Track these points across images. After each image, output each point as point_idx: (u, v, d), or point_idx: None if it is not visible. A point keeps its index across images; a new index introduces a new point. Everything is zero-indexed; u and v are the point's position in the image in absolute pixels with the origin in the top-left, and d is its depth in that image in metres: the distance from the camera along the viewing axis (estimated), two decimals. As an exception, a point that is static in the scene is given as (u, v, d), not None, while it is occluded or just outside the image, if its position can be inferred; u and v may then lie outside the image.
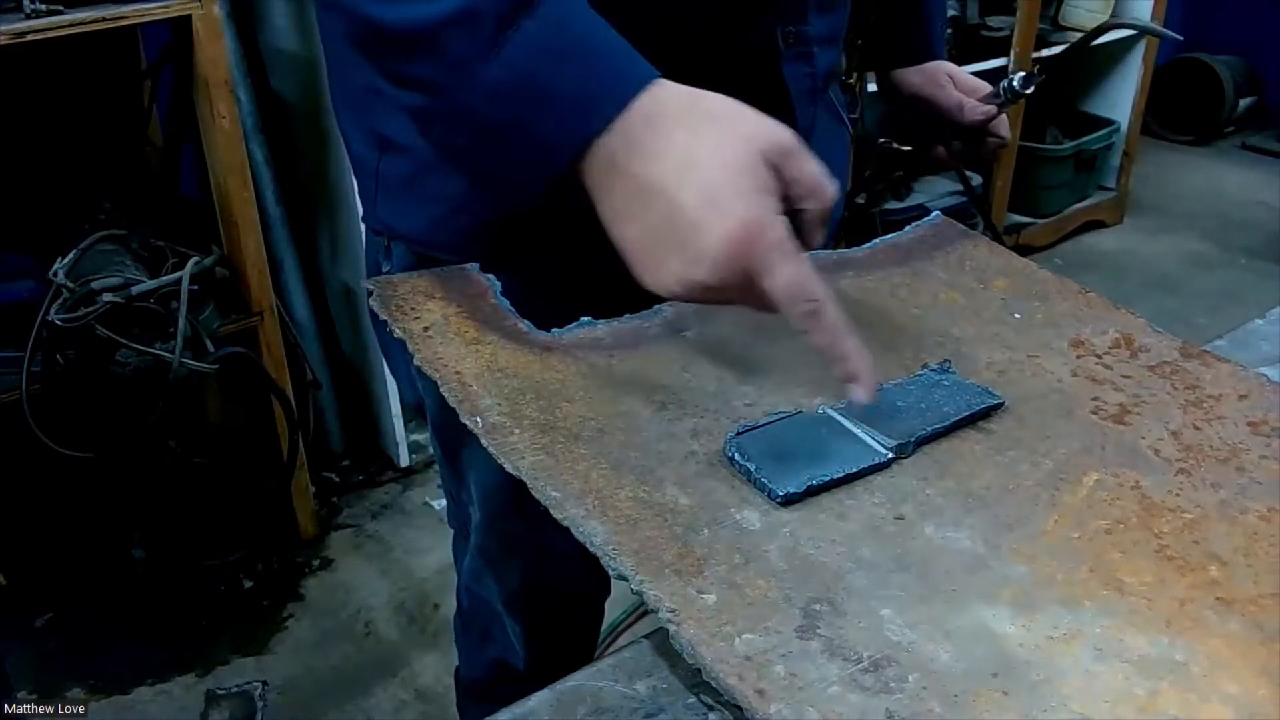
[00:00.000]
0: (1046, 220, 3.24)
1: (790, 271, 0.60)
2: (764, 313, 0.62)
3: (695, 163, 0.59)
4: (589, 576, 1.11)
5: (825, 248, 0.88)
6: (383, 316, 0.74)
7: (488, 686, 1.25)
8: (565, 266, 0.82)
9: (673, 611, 0.54)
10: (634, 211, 0.62)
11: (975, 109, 1.07)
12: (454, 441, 1.02)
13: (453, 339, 0.72)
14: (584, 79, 0.60)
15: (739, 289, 0.61)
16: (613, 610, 1.65)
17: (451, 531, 1.21)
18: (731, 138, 0.60)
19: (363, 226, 0.98)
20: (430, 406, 1.01)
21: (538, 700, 0.56)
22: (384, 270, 0.96)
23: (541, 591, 1.12)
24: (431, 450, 1.15)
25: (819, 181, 0.62)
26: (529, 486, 0.62)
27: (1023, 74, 0.99)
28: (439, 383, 0.69)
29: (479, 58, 0.60)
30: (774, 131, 0.61)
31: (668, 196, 0.60)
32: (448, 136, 0.68)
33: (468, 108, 0.63)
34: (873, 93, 2.57)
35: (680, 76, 0.63)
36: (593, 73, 0.61)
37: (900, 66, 1.14)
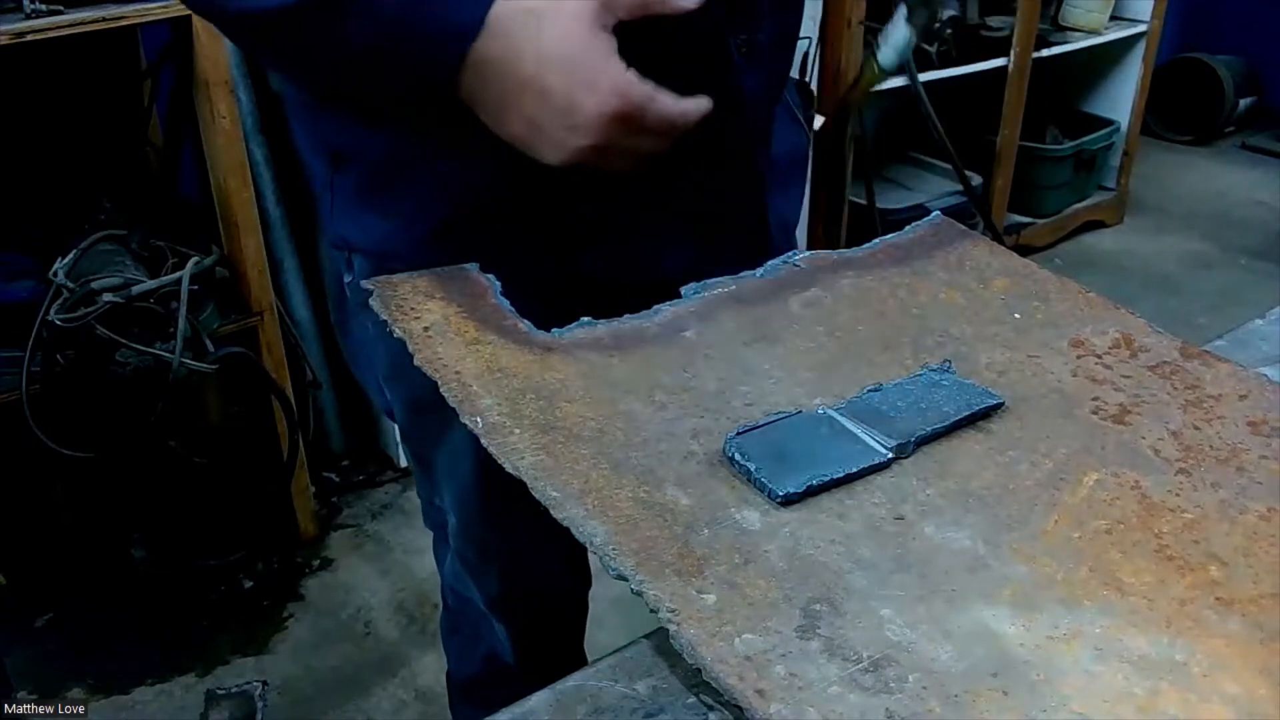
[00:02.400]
0: (1046, 220, 3.24)
1: (656, 113, 0.69)
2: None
3: (547, 53, 0.68)
4: (566, 575, 1.11)
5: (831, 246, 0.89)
6: (383, 316, 0.74)
7: (482, 684, 1.25)
8: (521, 268, 0.82)
9: (673, 611, 0.54)
10: (511, 109, 0.71)
11: None
12: (426, 449, 1.02)
13: (453, 339, 0.72)
14: (431, 22, 0.69)
15: (621, 141, 0.70)
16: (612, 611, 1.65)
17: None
18: (564, 19, 0.68)
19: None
20: (399, 415, 1.01)
21: (538, 700, 0.56)
22: (346, 281, 0.97)
23: (522, 594, 1.12)
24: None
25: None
26: (529, 486, 0.62)
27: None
28: (439, 383, 0.69)
29: (336, 28, 0.70)
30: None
31: (535, 87, 0.69)
32: (334, 84, 0.78)
33: (340, 62, 0.73)
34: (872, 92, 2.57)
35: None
36: (435, 15, 0.69)
37: None
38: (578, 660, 1.23)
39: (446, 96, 0.72)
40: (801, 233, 2.66)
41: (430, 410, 0.90)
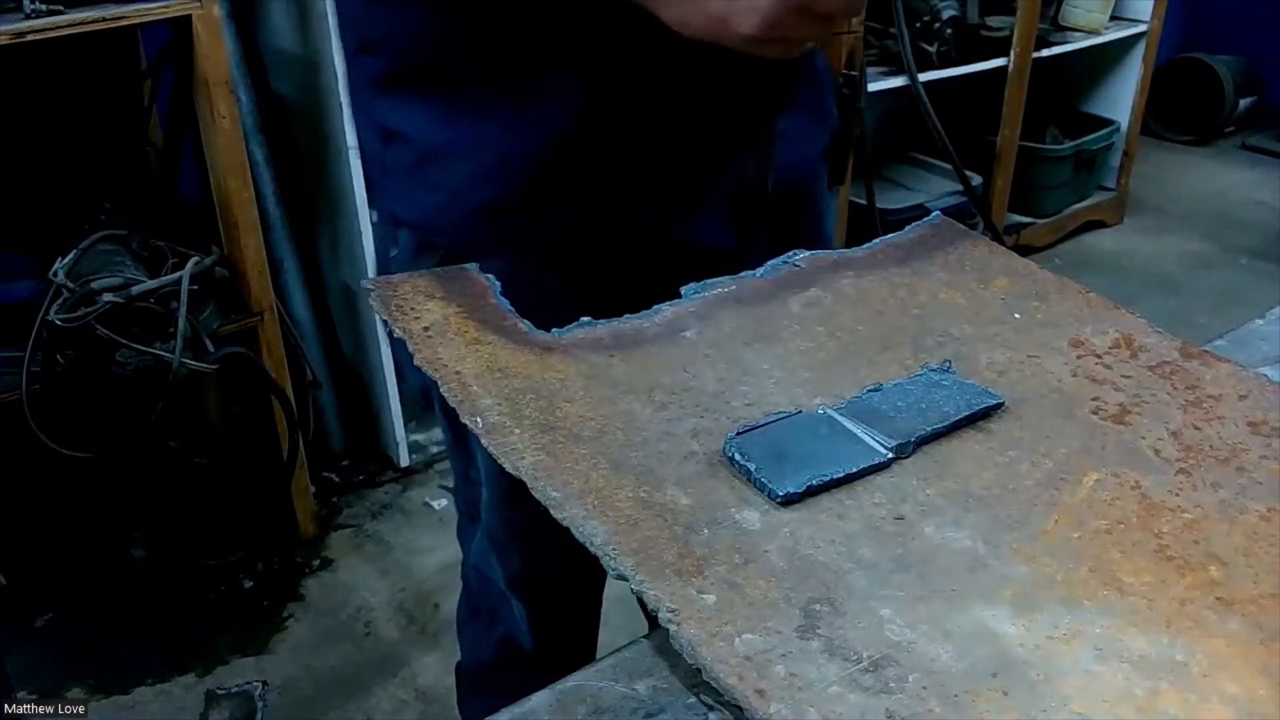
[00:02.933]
0: (1046, 220, 3.24)
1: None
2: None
3: None
4: (586, 559, 1.12)
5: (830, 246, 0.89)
6: (383, 316, 0.74)
7: (495, 669, 1.26)
8: (561, 254, 0.84)
9: (673, 611, 0.54)
10: None
11: None
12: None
13: (453, 339, 0.72)
14: None
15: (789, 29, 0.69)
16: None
17: (454, 523, 1.21)
18: None
19: (369, 220, 1.01)
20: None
21: (538, 700, 0.56)
22: (391, 255, 1.00)
23: (543, 574, 1.13)
24: (443, 437, 1.19)
25: None
26: (529, 486, 0.62)
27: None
28: (439, 383, 0.69)
29: None
30: None
31: None
32: None
33: None
34: (872, 92, 2.57)
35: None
36: None
37: None
38: (590, 651, 1.24)
39: None
40: (801, 233, 2.66)
41: None
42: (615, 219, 0.91)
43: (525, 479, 0.62)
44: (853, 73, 1.07)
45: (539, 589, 1.15)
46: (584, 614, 1.21)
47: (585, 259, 0.91)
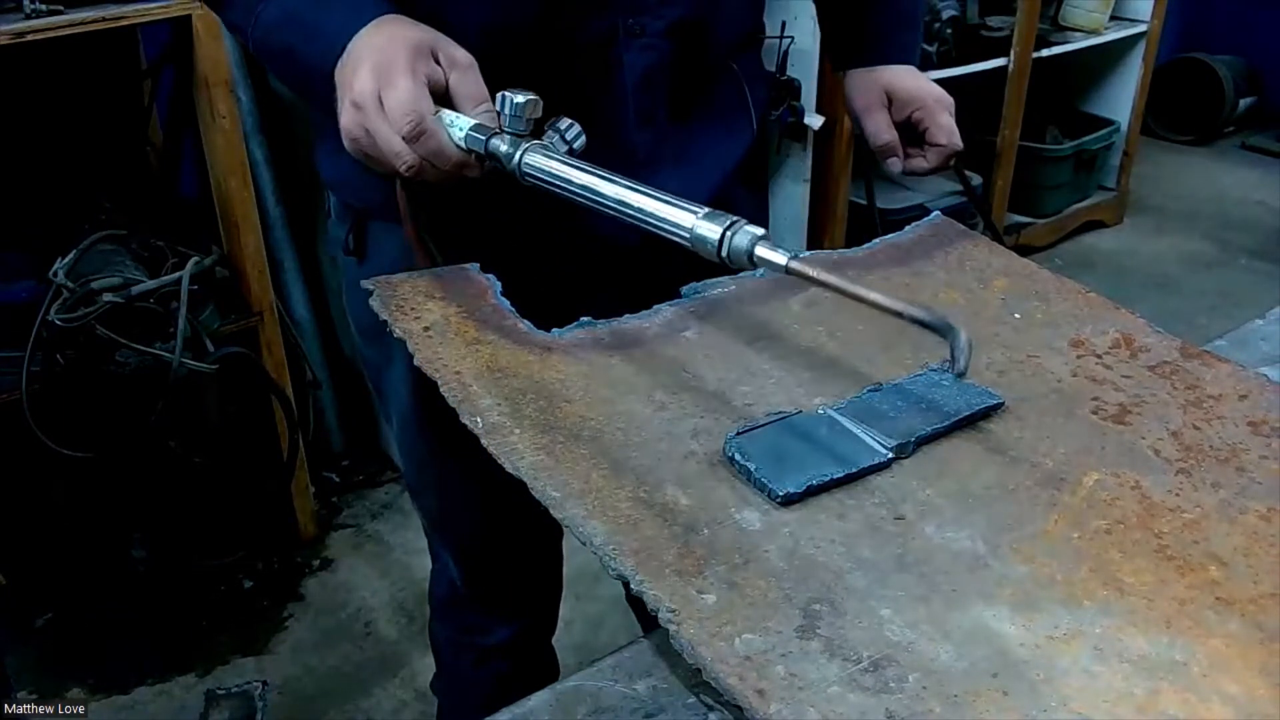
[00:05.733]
0: (1046, 220, 3.24)
1: (404, 86, 0.73)
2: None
3: (379, 44, 0.76)
4: (503, 511, 1.12)
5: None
6: (383, 316, 0.74)
7: (445, 603, 1.28)
8: (465, 224, 0.86)
9: (673, 611, 0.54)
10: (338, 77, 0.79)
11: (879, 137, 1.07)
12: (377, 367, 1.06)
13: (453, 339, 0.72)
14: (329, 20, 0.80)
15: (373, 110, 0.75)
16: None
17: None
18: (409, 29, 0.77)
19: None
20: (356, 331, 1.07)
21: (538, 700, 0.56)
22: (331, 217, 1.05)
23: (457, 520, 1.15)
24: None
25: (455, 56, 0.77)
26: (529, 486, 0.62)
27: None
28: (439, 383, 0.69)
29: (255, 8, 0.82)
30: (450, 44, 0.78)
31: (354, 65, 0.77)
32: (261, 59, 0.88)
33: (258, 39, 0.84)
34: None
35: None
36: (334, 16, 0.80)
37: (841, 69, 1.11)
38: (536, 594, 1.24)
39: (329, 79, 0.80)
40: (801, 233, 2.66)
41: (374, 338, 1.02)
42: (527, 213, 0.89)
43: (525, 479, 0.62)
44: (782, 76, 1.08)
45: (456, 532, 1.16)
46: (517, 558, 1.20)
47: (491, 231, 0.90)
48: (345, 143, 0.78)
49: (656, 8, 0.87)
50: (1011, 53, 2.81)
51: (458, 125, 0.75)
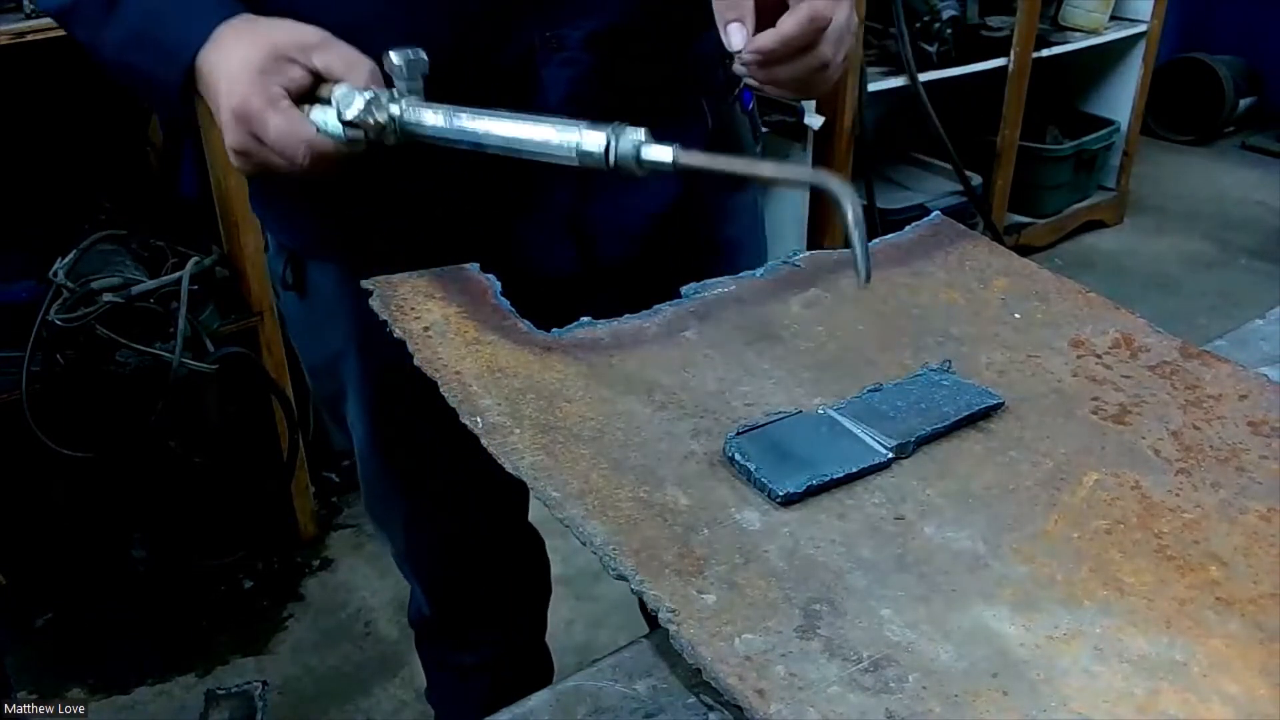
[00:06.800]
0: (1046, 220, 3.24)
1: (276, 124, 0.74)
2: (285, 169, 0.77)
3: (228, 71, 0.76)
4: (471, 539, 1.12)
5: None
6: (383, 316, 0.74)
7: (421, 629, 1.28)
8: (396, 261, 0.82)
9: (673, 611, 0.54)
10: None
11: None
12: (331, 402, 1.07)
13: (453, 339, 0.72)
14: (169, 35, 0.79)
15: (256, 149, 0.76)
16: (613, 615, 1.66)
17: None
18: (249, 45, 0.76)
19: None
20: (306, 370, 1.08)
21: (538, 700, 0.56)
22: (269, 250, 1.05)
23: (423, 551, 1.14)
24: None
25: (306, 42, 0.76)
26: (529, 486, 0.62)
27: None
28: (439, 383, 0.69)
29: (100, 27, 0.81)
30: (294, 32, 0.76)
31: (214, 98, 0.78)
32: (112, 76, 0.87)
33: (106, 59, 0.83)
34: (872, 92, 2.57)
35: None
36: (172, 29, 0.79)
37: None
38: (513, 612, 1.23)
39: (180, 95, 0.81)
40: (801, 232, 2.66)
41: (325, 374, 1.03)
42: (442, 223, 0.87)
43: (525, 479, 0.62)
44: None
45: (423, 563, 1.16)
46: (485, 589, 1.19)
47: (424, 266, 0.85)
48: (233, 161, 0.80)
49: (573, 19, 0.82)
50: (1011, 53, 2.81)
51: (330, 126, 0.75)
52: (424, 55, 0.73)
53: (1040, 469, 0.65)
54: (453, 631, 1.22)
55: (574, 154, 0.67)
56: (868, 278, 0.60)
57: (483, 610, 1.19)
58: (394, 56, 0.73)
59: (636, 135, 0.66)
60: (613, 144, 0.66)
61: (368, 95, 0.73)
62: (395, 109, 0.73)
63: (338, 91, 0.74)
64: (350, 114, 0.73)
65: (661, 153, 0.65)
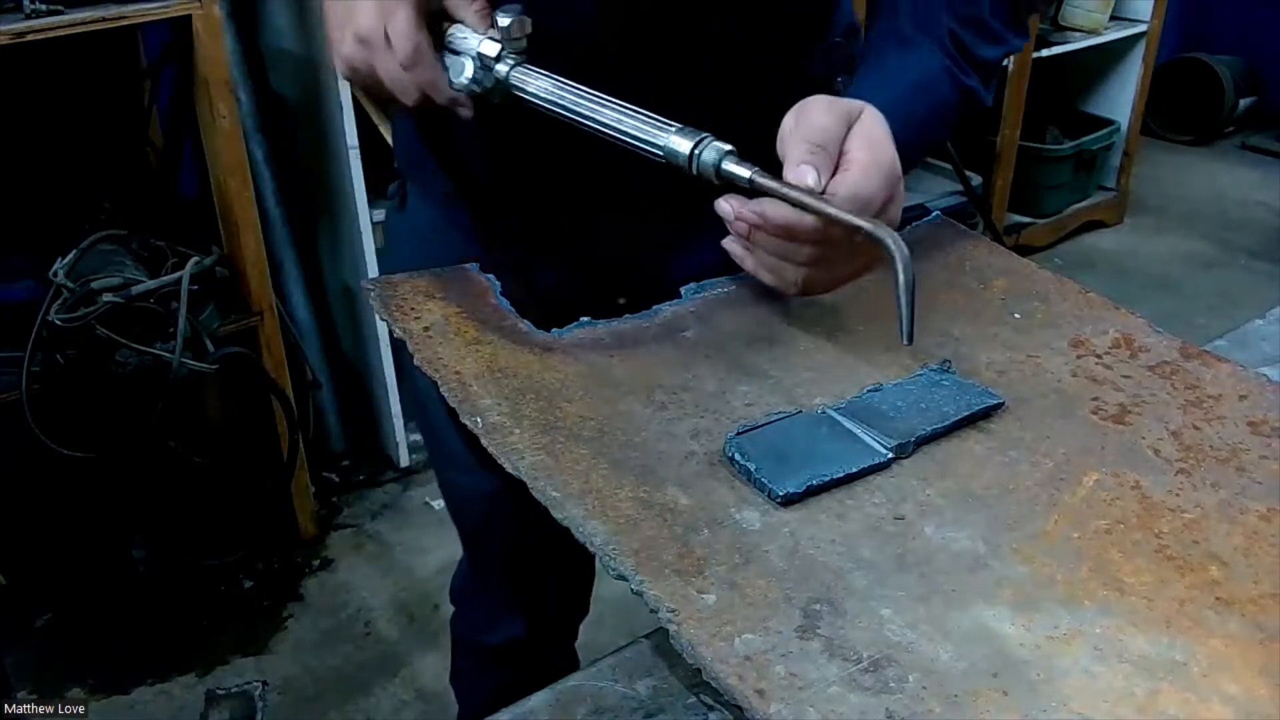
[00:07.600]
0: (1046, 220, 3.24)
1: (396, 25, 0.73)
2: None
3: None
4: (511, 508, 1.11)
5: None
6: (383, 316, 0.74)
7: (460, 595, 1.27)
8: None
9: (673, 611, 0.54)
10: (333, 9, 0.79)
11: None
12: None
13: (453, 339, 0.72)
14: None
15: (372, 68, 0.76)
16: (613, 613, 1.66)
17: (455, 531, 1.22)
18: None
19: (368, 219, 1.03)
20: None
21: (538, 700, 0.56)
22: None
23: (466, 505, 1.14)
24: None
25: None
26: (529, 486, 0.62)
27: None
28: (439, 383, 0.69)
29: None
30: None
31: (342, 14, 0.77)
32: None
33: None
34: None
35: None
36: None
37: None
38: (552, 590, 1.22)
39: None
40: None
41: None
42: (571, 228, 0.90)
43: (525, 479, 0.62)
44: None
45: (463, 517, 1.16)
46: (523, 551, 1.18)
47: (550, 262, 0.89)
48: (343, 71, 0.79)
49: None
50: (1012, 53, 2.81)
51: (454, 69, 0.76)
52: (528, 17, 0.75)
53: (1040, 469, 0.65)
54: (486, 593, 1.21)
55: (661, 151, 0.69)
56: (909, 340, 0.64)
57: (522, 575, 1.19)
58: (501, 17, 0.74)
59: (722, 148, 0.67)
60: (699, 151, 0.68)
61: (476, 59, 0.75)
62: (502, 68, 0.75)
63: (454, 34, 0.76)
64: (461, 81, 0.76)
65: (741, 170, 0.67)
